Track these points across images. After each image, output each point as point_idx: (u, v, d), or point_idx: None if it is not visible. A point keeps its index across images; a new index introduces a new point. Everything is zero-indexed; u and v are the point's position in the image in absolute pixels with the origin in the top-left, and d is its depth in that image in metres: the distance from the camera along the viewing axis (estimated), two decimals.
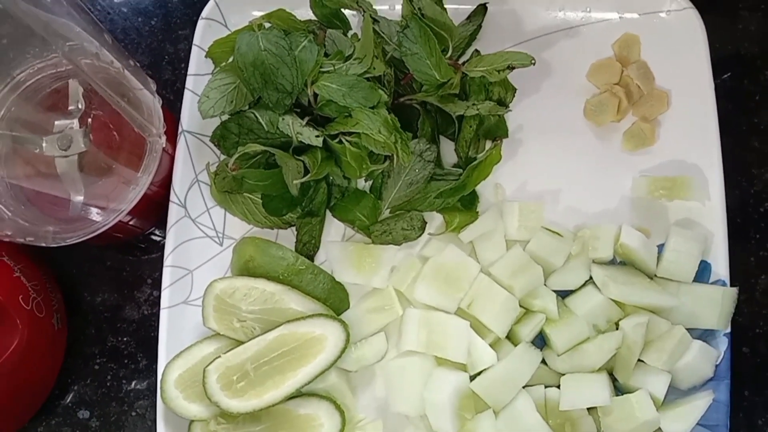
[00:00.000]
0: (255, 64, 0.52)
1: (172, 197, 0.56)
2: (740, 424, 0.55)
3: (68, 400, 0.59)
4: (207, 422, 0.51)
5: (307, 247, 0.56)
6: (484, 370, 0.51)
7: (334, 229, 0.57)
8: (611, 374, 0.52)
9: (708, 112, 0.55)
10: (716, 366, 0.51)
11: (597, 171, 0.56)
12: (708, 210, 0.54)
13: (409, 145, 0.52)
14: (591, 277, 0.53)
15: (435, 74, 0.52)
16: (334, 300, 0.54)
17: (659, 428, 0.50)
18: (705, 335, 0.52)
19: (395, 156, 0.52)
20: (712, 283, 0.53)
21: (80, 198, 0.51)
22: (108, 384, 0.59)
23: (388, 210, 0.56)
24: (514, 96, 0.56)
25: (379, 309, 0.54)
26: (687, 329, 0.51)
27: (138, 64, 0.53)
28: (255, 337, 0.51)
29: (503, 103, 0.55)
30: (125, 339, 0.60)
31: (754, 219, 0.58)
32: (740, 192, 0.56)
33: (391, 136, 0.51)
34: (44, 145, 0.51)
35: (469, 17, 0.59)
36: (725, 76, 0.59)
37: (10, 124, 0.53)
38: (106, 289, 0.60)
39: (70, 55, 0.49)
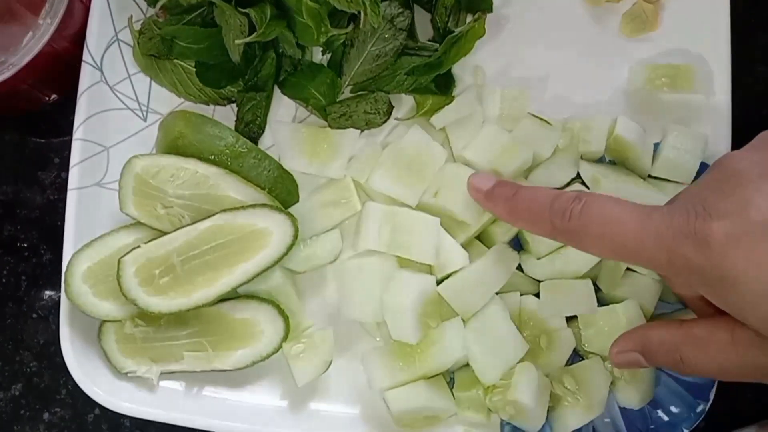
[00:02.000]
0: None
1: (85, 56, 0.46)
2: None
3: None
4: (122, 324, 0.43)
5: (250, 128, 0.48)
6: (454, 272, 0.44)
7: (283, 108, 0.49)
8: (595, 284, 0.46)
9: None
10: None
11: (590, 57, 0.49)
12: (711, 107, 0.48)
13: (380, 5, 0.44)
14: (578, 175, 0.47)
15: None
16: (280, 190, 0.46)
17: None
18: None
19: (363, 14, 0.43)
20: None
21: None
22: (3, 281, 0.50)
23: (349, 88, 0.48)
24: None
25: (335, 202, 0.47)
26: None
27: None
28: (183, 226, 0.43)
29: None
30: (25, 228, 0.50)
31: (755, 121, 0.53)
32: (743, 91, 0.50)
33: None
34: None
35: None
36: None
37: None
38: (2, 169, 0.51)
39: None
